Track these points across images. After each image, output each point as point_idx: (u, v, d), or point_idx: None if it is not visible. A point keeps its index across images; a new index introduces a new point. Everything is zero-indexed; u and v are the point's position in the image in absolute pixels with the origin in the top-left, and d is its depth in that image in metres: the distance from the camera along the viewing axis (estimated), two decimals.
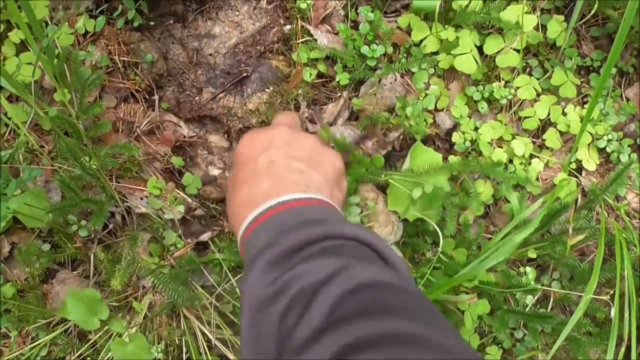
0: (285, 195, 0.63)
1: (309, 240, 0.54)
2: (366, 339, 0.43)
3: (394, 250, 0.58)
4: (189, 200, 0.91)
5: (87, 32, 0.94)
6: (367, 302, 0.47)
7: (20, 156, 0.83)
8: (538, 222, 0.85)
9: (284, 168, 0.67)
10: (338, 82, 0.99)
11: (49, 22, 0.90)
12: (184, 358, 0.91)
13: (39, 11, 0.88)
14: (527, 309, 0.92)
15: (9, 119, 0.85)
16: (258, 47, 1.05)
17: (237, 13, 1.07)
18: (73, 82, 0.81)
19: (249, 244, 0.61)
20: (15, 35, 0.89)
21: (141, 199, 0.90)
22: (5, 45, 0.91)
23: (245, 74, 1.03)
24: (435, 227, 0.88)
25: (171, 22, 1.07)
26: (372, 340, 0.43)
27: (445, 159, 1.03)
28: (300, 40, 1.00)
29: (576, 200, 1.03)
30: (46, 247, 0.88)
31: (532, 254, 0.94)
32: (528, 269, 0.92)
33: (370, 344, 0.42)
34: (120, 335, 0.79)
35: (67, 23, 0.91)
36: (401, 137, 1.03)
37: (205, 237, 0.90)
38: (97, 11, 0.90)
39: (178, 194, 0.90)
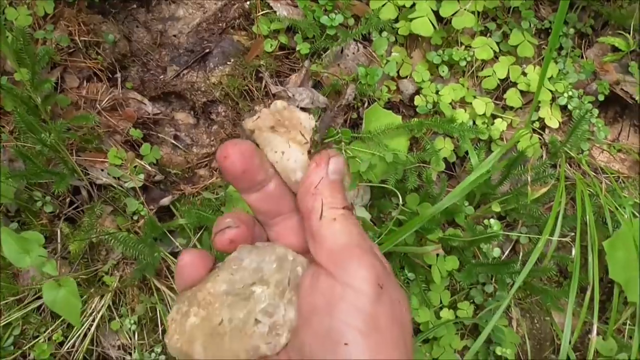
0: None
1: None
2: None
3: None
4: (149, 167, 0.92)
5: (47, 14, 0.96)
6: None
7: None
8: (492, 166, 0.85)
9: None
10: (299, 51, 1.01)
11: (7, 5, 0.91)
12: (159, 330, 0.91)
13: None
14: (493, 260, 0.93)
15: None
16: (220, 24, 1.06)
17: None
18: (26, 62, 0.82)
19: None
20: None
21: (102, 170, 0.90)
22: None
23: (207, 50, 1.04)
24: (394, 189, 0.88)
25: (134, 6, 1.08)
26: None
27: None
28: (260, 13, 1.02)
29: (541, 157, 1.04)
30: (14, 225, 0.89)
31: (497, 208, 0.95)
32: (492, 221, 0.93)
33: None
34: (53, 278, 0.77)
35: (25, 5, 0.92)
36: (365, 104, 1.05)
37: (166, 201, 0.91)
38: None
39: (138, 162, 0.91)
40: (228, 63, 1.03)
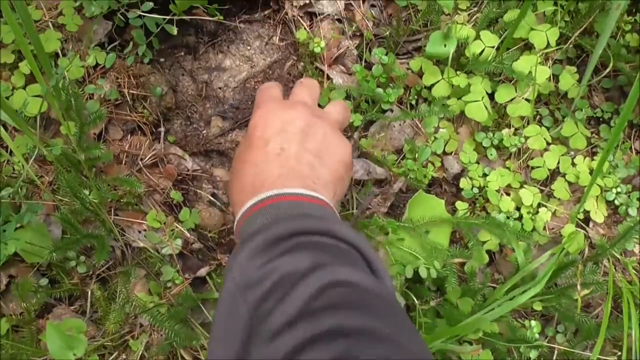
0: (291, 188, 0.63)
1: (301, 231, 0.55)
2: (327, 332, 0.44)
3: (382, 261, 0.59)
4: (187, 234, 0.90)
5: (97, 64, 0.94)
6: (339, 298, 0.49)
7: (20, 189, 0.82)
8: (546, 279, 0.83)
9: (294, 158, 0.67)
10: (351, 122, 0.99)
11: (60, 55, 0.89)
12: None
13: (50, 44, 0.87)
14: None
15: (10, 152, 0.84)
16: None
17: (248, 47, 1.07)
18: (75, 118, 0.80)
19: (244, 226, 0.62)
20: (25, 66, 0.88)
21: (139, 232, 0.88)
22: (15, 75, 0.90)
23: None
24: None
25: (182, 54, 1.06)
26: (332, 334, 0.44)
27: (451, 203, 1.02)
28: (323, 89, 1.00)
29: (583, 252, 1.02)
30: (44, 281, 0.86)
31: (538, 307, 0.92)
32: (533, 322, 0.90)
33: (330, 338, 0.44)
34: None
35: (78, 56, 0.90)
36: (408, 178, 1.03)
37: (203, 272, 0.89)
38: (109, 46, 0.89)
39: (176, 227, 0.89)
40: None
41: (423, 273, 0.89)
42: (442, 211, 0.95)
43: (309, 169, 0.67)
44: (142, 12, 0.87)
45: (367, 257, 0.57)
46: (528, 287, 0.82)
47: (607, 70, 0.97)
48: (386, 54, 1.00)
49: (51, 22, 0.91)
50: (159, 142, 0.98)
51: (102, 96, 0.91)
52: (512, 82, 1.00)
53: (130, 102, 0.95)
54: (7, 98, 0.89)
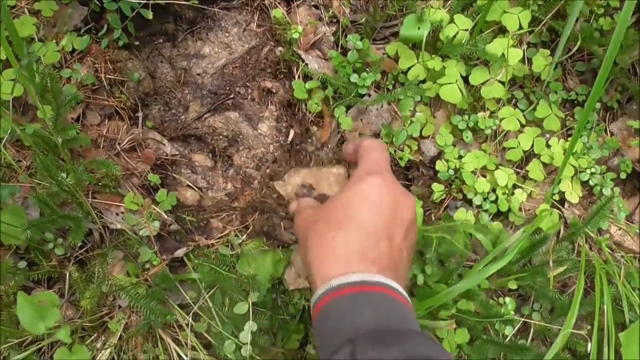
0: (392, 281, 0.60)
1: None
2: None
3: None
4: (164, 216, 0.90)
5: (74, 49, 0.94)
6: None
7: None
8: (515, 253, 0.84)
9: (397, 252, 0.64)
10: (332, 105, 1.00)
11: (36, 39, 0.90)
12: None
13: (25, 29, 0.88)
14: (506, 340, 0.91)
15: None
16: (247, 70, 1.05)
17: (227, 34, 1.08)
18: (51, 101, 0.81)
19: (346, 304, 0.58)
20: (2, 52, 0.89)
21: (117, 214, 0.89)
22: None
23: (232, 95, 1.03)
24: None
25: (161, 41, 1.07)
26: None
27: (428, 186, 1.03)
28: (298, 72, 1.00)
29: (559, 232, 1.03)
30: (22, 264, 0.87)
31: (513, 285, 0.94)
32: (507, 299, 0.91)
33: None
34: (66, 345, 0.76)
35: (54, 41, 0.91)
36: None
37: (180, 252, 0.89)
38: (84, 29, 0.89)
39: (154, 209, 0.89)
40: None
41: None
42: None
43: (402, 267, 0.65)
44: None
45: None
46: (497, 262, 0.83)
47: (576, 48, 0.98)
48: (361, 40, 1.01)
49: (27, 8, 0.92)
50: (137, 127, 0.98)
51: (78, 80, 0.91)
52: (486, 65, 1.01)
53: (108, 87, 0.96)
54: None
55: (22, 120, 0.90)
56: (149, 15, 0.91)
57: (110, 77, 0.95)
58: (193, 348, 0.89)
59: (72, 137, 0.82)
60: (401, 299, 0.60)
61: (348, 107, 1.04)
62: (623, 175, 1.06)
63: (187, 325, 0.88)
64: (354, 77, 1.00)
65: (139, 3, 0.90)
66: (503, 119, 1.01)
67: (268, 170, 0.99)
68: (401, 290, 0.61)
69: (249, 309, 0.84)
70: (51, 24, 0.93)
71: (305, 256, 0.65)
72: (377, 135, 1.04)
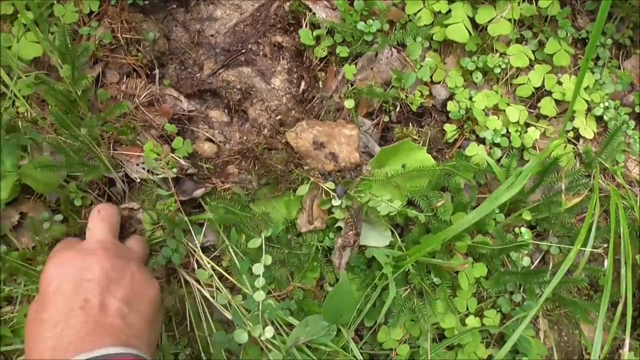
0: (102, 347, 0.57)
1: None
2: None
3: None
4: (182, 162, 0.94)
5: (91, 12, 0.99)
6: None
7: (21, 124, 0.87)
8: (528, 178, 0.84)
9: (100, 309, 0.62)
10: (338, 54, 1.02)
11: (55, 2, 0.94)
12: (187, 322, 0.92)
13: None
14: (523, 269, 0.92)
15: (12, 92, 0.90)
16: (257, 27, 1.08)
17: None
18: (66, 57, 0.85)
19: None
20: (24, 18, 0.94)
21: (137, 164, 0.92)
22: (15, 26, 0.95)
23: (244, 50, 1.06)
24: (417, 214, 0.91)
25: (174, 6, 1.11)
26: None
27: (441, 129, 1.04)
28: (305, 22, 1.03)
29: (574, 168, 1.03)
30: (59, 217, 0.91)
31: (528, 216, 0.94)
32: (523, 229, 0.92)
33: None
34: None
35: (72, 2, 0.95)
36: (397, 108, 1.05)
37: (198, 193, 0.92)
38: None
39: (172, 157, 0.93)
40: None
41: (383, 210, 0.91)
42: (428, 166, 0.97)
43: (120, 319, 0.62)
44: None
45: None
46: (511, 187, 0.83)
47: None
48: None
49: None
50: (155, 85, 1.02)
51: (96, 38, 0.95)
52: (493, 4, 1.02)
53: (125, 46, 1.00)
54: (9, 48, 0.94)
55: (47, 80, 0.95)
56: None
57: (126, 36, 0.99)
58: (217, 289, 0.92)
59: (86, 87, 0.86)
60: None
61: (357, 56, 1.05)
62: (638, 110, 1.06)
63: (209, 266, 0.91)
64: (361, 25, 1.02)
65: None
66: (512, 56, 1.01)
67: (278, 117, 1.02)
68: (111, 352, 0.57)
69: (262, 244, 0.87)
70: None
71: None
72: (387, 83, 1.06)
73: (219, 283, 0.91)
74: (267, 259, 0.88)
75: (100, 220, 0.77)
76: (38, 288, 0.67)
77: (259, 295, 0.85)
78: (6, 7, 0.94)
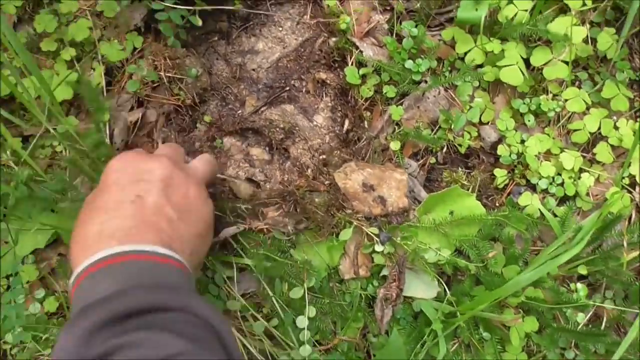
0: (144, 243, 0.57)
1: (159, 306, 0.51)
2: None
3: (233, 336, 0.56)
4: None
5: (135, 48, 0.97)
6: None
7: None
8: (588, 237, 0.81)
9: (152, 208, 0.62)
10: (385, 94, 0.99)
11: (96, 40, 0.93)
12: None
13: (80, 32, 0.91)
14: (579, 328, 0.88)
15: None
16: (301, 62, 1.06)
17: (280, 29, 1.09)
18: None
19: (84, 286, 0.55)
20: (66, 53, 0.92)
21: None
22: (57, 62, 0.94)
23: (287, 88, 1.04)
24: (467, 263, 0.87)
25: (216, 39, 1.08)
26: None
27: (489, 172, 1.01)
28: (352, 60, 1.00)
29: (630, 217, 0.99)
30: None
31: (583, 270, 0.90)
32: (579, 285, 0.88)
33: None
34: None
35: (116, 40, 0.94)
36: (444, 149, 1.02)
37: (230, 231, 0.90)
38: (145, 30, 0.92)
39: None
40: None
41: (431, 258, 0.89)
42: (474, 207, 0.94)
43: (167, 223, 0.62)
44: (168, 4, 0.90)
45: (220, 332, 0.54)
46: (570, 248, 0.80)
47: None
48: (416, 26, 1.00)
49: (88, 10, 0.95)
50: (196, 124, 1.00)
51: (140, 77, 0.93)
52: (548, 45, 0.98)
53: (167, 84, 0.98)
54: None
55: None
56: (199, 22, 0.94)
57: (169, 74, 0.97)
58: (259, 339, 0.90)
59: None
60: (155, 259, 0.57)
61: (403, 96, 1.02)
62: None
63: (251, 316, 0.89)
64: (409, 64, 0.98)
65: (188, 10, 0.92)
66: (567, 100, 0.97)
67: (322, 157, 0.99)
68: (158, 251, 0.57)
69: (304, 294, 0.85)
70: (113, 25, 0.95)
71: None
72: (434, 123, 1.02)
73: (261, 332, 0.88)
74: (312, 311, 0.85)
75: (167, 146, 0.79)
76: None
77: (305, 350, 0.82)
78: (49, 44, 0.93)
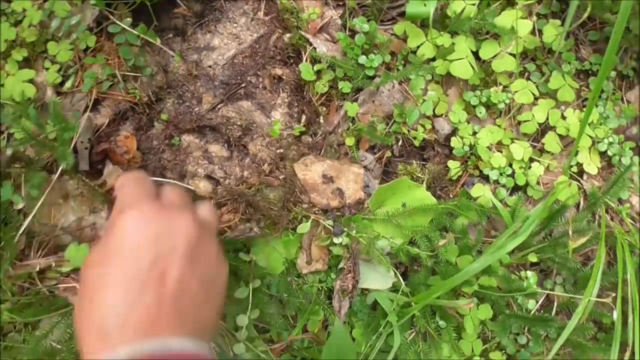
0: (174, 338, 0.49)
1: None
2: None
3: None
4: None
5: (87, 47, 0.96)
6: None
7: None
8: (534, 225, 0.84)
9: (176, 289, 0.52)
10: (340, 90, 1.00)
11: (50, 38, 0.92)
12: None
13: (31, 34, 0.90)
14: (531, 314, 0.91)
15: None
16: (257, 58, 1.06)
17: (235, 25, 1.09)
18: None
19: None
20: (17, 54, 0.91)
21: None
22: (8, 63, 0.93)
23: (243, 84, 1.04)
24: (420, 251, 0.89)
25: (171, 35, 1.08)
26: None
27: (444, 164, 1.03)
28: (306, 56, 1.01)
29: (578, 204, 1.02)
30: None
31: (533, 258, 0.93)
32: (529, 273, 0.91)
33: None
34: None
35: (67, 40, 0.93)
36: (399, 142, 1.04)
37: None
38: (97, 29, 0.92)
39: None
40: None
41: (384, 247, 0.91)
42: (424, 198, 0.96)
43: (192, 307, 0.53)
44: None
45: None
46: (518, 235, 0.83)
47: (585, 15, 0.96)
48: (367, 22, 1.01)
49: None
50: (153, 123, 1.00)
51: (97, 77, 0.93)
52: (496, 38, 1.01)
53: (122, 82, 0.97)
54: (2, 85, 0.92)
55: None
56: (157, 40, 0.98)
57: (123, 73, 0.97)
58: None
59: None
60: (179, 355, 0.49)
61: (358, 91, 1.04)
62: None
63: None
64: (362, 59, 1.00)
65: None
66: (516, 92, 1.00)
67: (279, 151, 1.00)
68: (187, 348, 0.50)
69: (249, 294, 0.86)
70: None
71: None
72: (389, 116, 1.04)
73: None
74: (255, 312, 0.87)
75: (174, 193, 0.64)
76: (104, 233, 0.57)
77: (239, 348, 0.84)
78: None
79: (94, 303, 0.50)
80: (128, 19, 0.93)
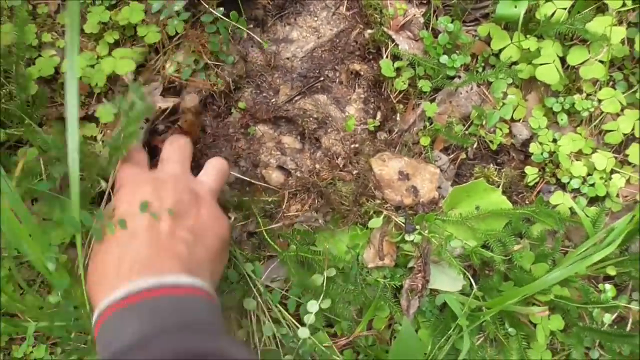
0: (166, 274, 0.56)
1: (189, 354, 0.48)
2: None
3: None
4: None
5: (174, 35, 0.98)
6: None
7: None
8: (619, 240, 0.81)
9: (167, 234, 0.60)
10: (420, 88, 0.99)
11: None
12: None
13: (135, 15, 0.92)
14: (605, 328, 0.88)
15: None
16: (336, 53, 1.06)
17: (315, 18, 1.09)
18: None
19: (109, 327, 0.53)
20: (109, 36, 0.94)
21: None
22: (99, 44, 0.96)
23: (322, 78, 1.05)
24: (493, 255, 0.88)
25: (251, 26, 1.09)
26: None
27: (519, 170, 1.01)
28: (387, 52, 1.00)
29: None
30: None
31: (612, 271, 0.90)
32: (607, 286, 0.88)
33: None
34: None
35: (156, 25, 0.95)
36: (475, 145, 1.02)
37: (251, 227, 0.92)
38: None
39: None
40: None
41: (457, 247, 0.91)
42: (500, 202, 0.94)
43: (184, 247, 0.60)
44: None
45: None
46: (600, 249, 0.80)
47: None
48: (452, 22, 1.00)
49: None
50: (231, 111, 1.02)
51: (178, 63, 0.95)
52: (585, 44, 0.98)
53: (204, 71, 0.99)
54: (93, 66, 0.94)
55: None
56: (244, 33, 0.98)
57: (205, 61, 0.98)
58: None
59: None
60: (178, 292, 0.55)
61: (436, 90, 1.03)
62: None
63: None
64: (444, 59, 0.99)
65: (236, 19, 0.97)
66: (602, 100, 0.97)
67: (354, 146, 1.00)
68: (181, 281, 0.55)
69: (323, 282, 0.87)
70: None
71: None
72: (465, 118, 1.03)
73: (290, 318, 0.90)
74: (326, 302, 0.87)
75: (173, 149, 0.76)
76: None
77: (303, 332, 0.84)
78: (92, 27, 0.94)
79: (100, 255, 0.59)
80: (221, 9, 0.94)
